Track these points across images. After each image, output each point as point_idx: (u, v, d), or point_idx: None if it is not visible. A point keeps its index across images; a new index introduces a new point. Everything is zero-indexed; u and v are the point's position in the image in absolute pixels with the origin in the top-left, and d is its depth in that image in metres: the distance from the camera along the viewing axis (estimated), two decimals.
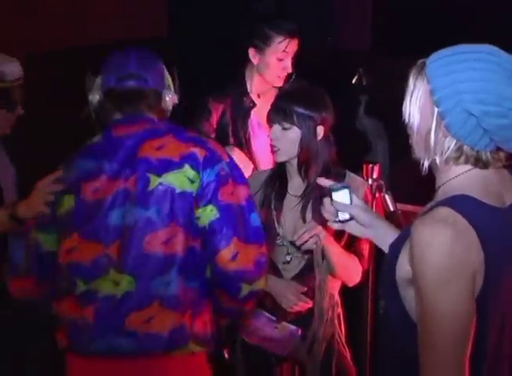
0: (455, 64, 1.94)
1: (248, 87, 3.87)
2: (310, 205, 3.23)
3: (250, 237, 2.80)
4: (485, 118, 1.87)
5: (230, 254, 2.74)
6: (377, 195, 3.85)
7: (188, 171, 2.77)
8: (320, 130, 3.18)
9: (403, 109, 2.07)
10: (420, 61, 2.04)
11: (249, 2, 6.71)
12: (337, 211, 2.40)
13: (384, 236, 2.35)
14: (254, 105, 3.85)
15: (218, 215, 2.77)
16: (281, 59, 3.75)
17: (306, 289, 3.22)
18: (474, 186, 1.98)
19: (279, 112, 3.16)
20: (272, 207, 3.29)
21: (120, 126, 2.96)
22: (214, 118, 3.81)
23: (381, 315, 2.16)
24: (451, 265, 1.85)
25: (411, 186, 2.48)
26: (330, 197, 2.41)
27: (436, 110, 1.94)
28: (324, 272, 3.16)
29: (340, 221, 2.41)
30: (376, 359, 2.39)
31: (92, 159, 2.91)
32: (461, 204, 1.92)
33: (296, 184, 3.28)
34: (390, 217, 4.06)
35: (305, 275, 3.22)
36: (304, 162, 3.20)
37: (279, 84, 3.79)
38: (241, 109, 3.83)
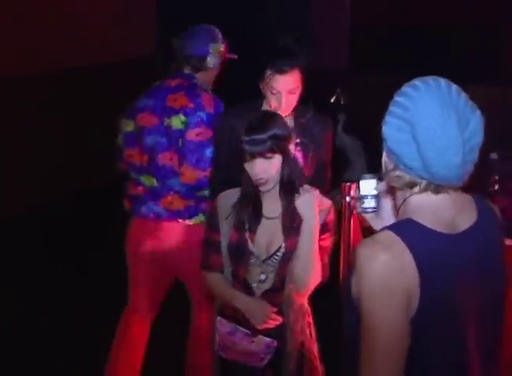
0: (401, 102, 2.06)
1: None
2: (284, 226, 3.24)
3: (199, 164, 4.08)
4: (418, 157, 1.97)
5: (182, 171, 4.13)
6: (355, 211, 3.91)
7: (181, 116, 4.10)
8: (292, 149, 3.24)
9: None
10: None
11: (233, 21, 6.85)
12: (363, 198, 2.49)
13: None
14: None
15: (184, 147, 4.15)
16: (273, 93, 3.75)
17: (276, 309, 3.26)
18: (422, 211, 2.06)
19: (258, 145, 3.12)
20: (246, 228, 3.29)
21: (167, 79, 4.30)
22: None
23: (345, 321, 2.23)
24: (385, 284, 1.94)
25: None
26: (358, 184, 2.52)
27: (388, 154, 2.08)
28: (289, 290, 3.24)
29: (364, 209, 2.49)
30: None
31: (146, 98, 4.26)
32: (403, 228, 2.03)
33: (272, 206, 3.27)
34: (367, 233, 4.23)
35: (275, 291, 3.25)
36: (289, 183, 3.21)
37: (283, 114, 3.71)
38: None
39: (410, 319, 1.97)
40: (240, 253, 3.25)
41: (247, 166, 3.18)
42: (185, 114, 4.14)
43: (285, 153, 3.16)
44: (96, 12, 7.54)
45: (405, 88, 2.05)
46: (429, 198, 2.07)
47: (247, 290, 3.27)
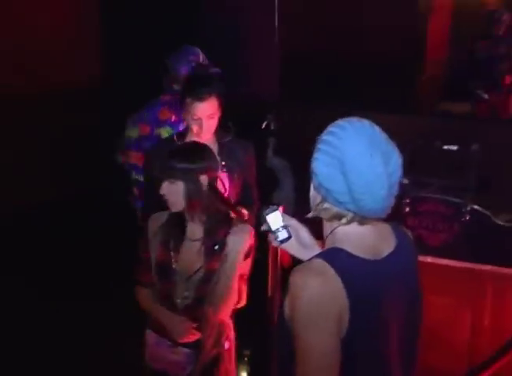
0: (323, 145, 2.11)
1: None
2: (205, 249, 3.26)
3: None
4: (346, 191, 2.01)
5: None
6: None
7: (167, 127, 4.51)
8: (204, 179, 3.22)
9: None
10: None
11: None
12: (276, 232, 2.43)
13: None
14: None
15: None
16: (195, 119, 3.79)
17: (196, 324, 3.29)
18: (349, 240, 2.09)
19: (165, 170, 3.19)
20: (171, 248, 3.30)
21: (162, 95, 4.71)
22: None
23: (277, 339, 2.28)
24: (317, 308, 1.96)
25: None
26: (265, 220, 2.45)
27: (312, 184, 2.13)
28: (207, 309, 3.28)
29: (280, 241, 2.44)
30: None
31: (145, 110, 4.68)
32: (333, 256, 2.05)
33: (194, 229, 3.28)
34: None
35: (196, 307, 3.27)
36: (191, 210, 3.23)
37: (205, 137, 3.84)
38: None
39: (341, 338, 1.99)
40: (165, 271, 3.28)
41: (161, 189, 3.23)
42: (170, 125, 4.62)
43: (189, 182, 3.17)
44: (46, 39, 7.40)
45: (333, 128, 2.09)
46: (355, 228, 2.10)
47: (172, 305, 3.29)
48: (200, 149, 3.30)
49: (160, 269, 3.30)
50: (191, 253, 3.24)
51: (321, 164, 2.05)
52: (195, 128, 3.79)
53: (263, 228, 2.49)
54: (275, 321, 2.32)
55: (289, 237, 2.43)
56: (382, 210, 2.06)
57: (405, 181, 4.19)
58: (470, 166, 4.36)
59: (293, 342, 2.02)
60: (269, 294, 4.48)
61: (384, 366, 2.15)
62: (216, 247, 3.21)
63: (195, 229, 3.25)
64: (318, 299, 1.96)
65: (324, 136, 2.09)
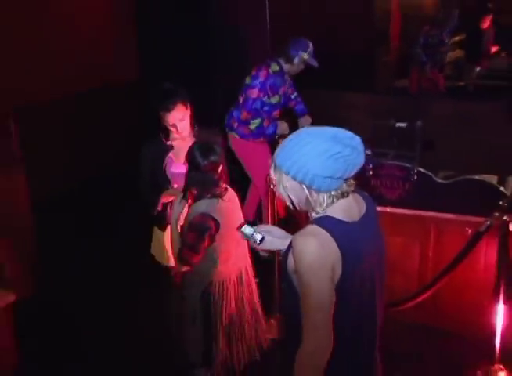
0: (295, 152, 2.03)
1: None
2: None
3: None
4: (329, 174, 2.01)
5: None
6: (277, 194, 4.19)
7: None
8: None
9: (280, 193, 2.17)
10: (273, 162, 2.13)
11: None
12: (251, 238, 2.51)
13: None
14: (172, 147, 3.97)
15: None
16: (171, 126, 3.80)
17: None
18: (336, 210, 2.10)
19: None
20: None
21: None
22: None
23: (283, 290, 2.33)
24: (316, 262, 2.00)
25: None
26: (241, 233, 2.53)
27: (303, 185, 2.06)
28: None
29: (258, 244, 2.51)
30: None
31: None
32: (322, 222, 2.07)
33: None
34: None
35: None
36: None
37: (185, 136, 3.88)
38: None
39: (335, 283, 2.04)
40: None
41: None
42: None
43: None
44: (89, 44, 7.12)
45: (291, 138, 2.09)
46: (343, 201, 2.12)
47: None
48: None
49: None
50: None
51: (298, 172, 2.04)
52: (175, 133, 3.83)
53: (244, 238, 2.57)
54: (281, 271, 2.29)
55: (263, 238, 2.49)
56: (354, 173, 2.08)
57: (368, 152, 4.09)
58: (415, 138, 4.46)
59: (300, 288, 2.07)
60: None
61: (370, 303, 2.23)
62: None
63: None
64: (317, 255, 2.00)
65: (286, 152, 2.07)
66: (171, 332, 3.66)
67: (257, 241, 2.49)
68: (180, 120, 3.80)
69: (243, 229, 2.53)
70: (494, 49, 9.02)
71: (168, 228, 3.83)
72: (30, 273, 5.13)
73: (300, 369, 2.11)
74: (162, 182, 3.89)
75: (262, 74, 5.22)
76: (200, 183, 3.30)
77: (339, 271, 2.04)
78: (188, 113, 3.85)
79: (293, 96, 5.62)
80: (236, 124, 5.40)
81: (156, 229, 4.05)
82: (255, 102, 5.25)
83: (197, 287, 3.40)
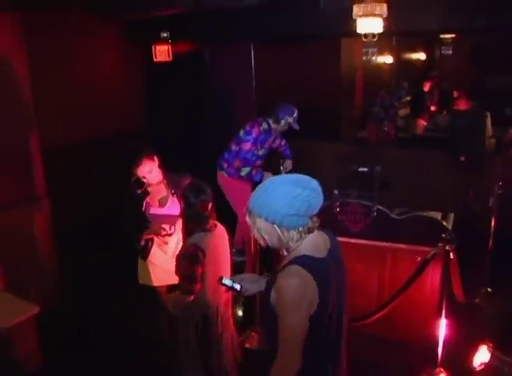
0: (264, 197, 2.05)
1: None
2: None
3: None
4: (294, 212, 2.03)
5: None
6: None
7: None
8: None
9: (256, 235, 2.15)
10: (247, 208, 2.12)
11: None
12: (231, 288, 2.47)
13: (263, 282, 2.36)
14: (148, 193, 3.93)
15: None
16: (145, 179, 3.77)
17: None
18: (308, 247, 2.10)
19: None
20: None
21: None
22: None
23: (265, 318, 2.27)
24: (296, 302, 1.98)
25: None
26: (224, 285, 2.50)
27: (274, 225, 2.07)
28: None
29: (239, 290, 2.48)
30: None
31: None
32: (301, 261, 2.04)
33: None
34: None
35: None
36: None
37: (159, 184, 3.85)
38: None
39: (309, 317, 2.02)
40: None
41: None
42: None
43: None
44: (107, 101, 7.20)
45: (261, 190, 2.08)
46: (310, 238, 2.12)
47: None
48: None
49: None
50: None
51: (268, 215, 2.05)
52: (145, 180, 3.79)
53: (226, 288, 2.53)
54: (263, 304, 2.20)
55: (241, 286, 2.47)
56: (316, 211, 2.08)
57: (336, 192, 4.35)
58: (374, 181, 4.42)
59: (279, 323, 2.04)
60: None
61: (337, 329, 2.21)
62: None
63: None
64: (296, 293, 1.98)
65: (258, 200, 2.08)
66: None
67: (238, 289, 2.47)
68: (148, 172, 3.75)
69: (223, 281, 2.50)
70: (433, 108, 9.27)
71: (151, 256, 3.87)
72: (51, 289, 5.12)
73: None
74: (143, 222, 3.86)
75: (255, 131, 5.30)
76: (192, 219, 3.21)
77: (315, 304, 2.03)
78: (155, 164, 3.79)
79: (282, 143, 5.68)
80: (225, 165, 5.45)
81: (140, 259, 4.04)
82: (247, 153, 5.32)
83: (190, 311, 3.28)
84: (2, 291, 4.41)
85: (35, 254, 5.02)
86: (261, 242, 2.18)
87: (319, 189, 2.07)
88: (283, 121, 5.31)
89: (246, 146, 5.32)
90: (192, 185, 3.27)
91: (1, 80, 4.60)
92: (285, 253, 2.16)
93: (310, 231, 2.12)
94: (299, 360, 2.06)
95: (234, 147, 5.42)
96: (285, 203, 2.02)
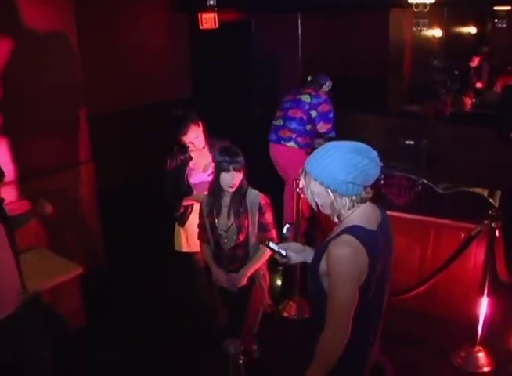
0: (323, 161, 2.03)
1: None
2: (232, 210, 3.24)
3: None
4: (351, 180, 1.99)
5: None
6: (302, 196, 4.21)
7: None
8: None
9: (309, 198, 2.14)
10: (303, 169, 2.11)
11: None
12: (279, 252, 2.45)
13: (309, 254, 2.38)
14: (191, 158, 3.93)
15: None
16: (192, 144, 3.78)
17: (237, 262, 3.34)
18: (360, 218, 2.08)
19: (236, 162, 3.14)
20: (214, 214, 3.29)
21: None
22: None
23: (309, 288, 2.23)
24: (348, 271, 1.98)
25: None
26: (270, 248, 2.51)
27: (328, 190, 2.04)
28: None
29: (284, 256, 2.45)
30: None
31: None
32: (354, 231, 2.02)
33: (226, 200, 3.25)
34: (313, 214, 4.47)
35: (235, 248, 3.30)
36: (238, 189, 3.20)
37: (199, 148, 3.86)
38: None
39: (360, 286, 2.01)
40: (213, 227, 3.32)
41: (224, 176, 3.16)
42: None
43: (243, 171, 3.19)
44: (154, 68, 7.15)
45: (319, 153, 2.07)
46: (362, 208, 2.10)
47: (220, 249, 3.35)
48: (237, 149, 3.26)
49: (210, 226, 3.33)
50: (224, 215, 3.27)
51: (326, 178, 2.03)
52: (191, 146, 3.82)
53: (271, 252, 2.57)
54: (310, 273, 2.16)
55: (286, 252, 2.45)
56: (372, 182, 2.07)
57: (381, 164, 4.38)
58: (421, 154, 4.41)
59: (330, 290, 2.03)
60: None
61: (382, 298, 2.21)
62: (241, 209, 3.22)
63: (226, 199, 3.25)
64: (349, 264, 1.97)
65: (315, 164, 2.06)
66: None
67: (284, 254, 2.45)
68: (195, 138, 3.80)
69: (270, 245, 2.50)
70: (480, 85, 8.98)
71: (188, 223, 3.90)
72: (94, 250, 5.24)
73: (320, 351, 2.11)
74: (184, 189, 3.87)
75: (321, 93, 5.41)
76: None
77: (365, 275, 2.02)
78: (200, 130, 3.83)
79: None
80: (294, 135, 5.34)
81: (177, 226, 4.08)
82: (330, 113, 5.35)
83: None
84: (48, 251, 4.54)
85: (80, 216, 5.13)
86: (313, 205, 2.16)
87: (378, 160, 2.04)
88: (324, 87, 5.45)
89: (326, 107, 5.33)
90: (224, 148, 3.26)
91: (55, 52, 4.69)
92: (336, 220, 2.14)
93: (363, 201, 2.10)
94: (348, 333, 2.04)
95: (301, 115, 5.34)
96: (343, 169, 1.99)
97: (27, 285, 3.21)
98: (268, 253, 3.28)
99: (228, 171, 3.16)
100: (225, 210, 3.28)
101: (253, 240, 3.29)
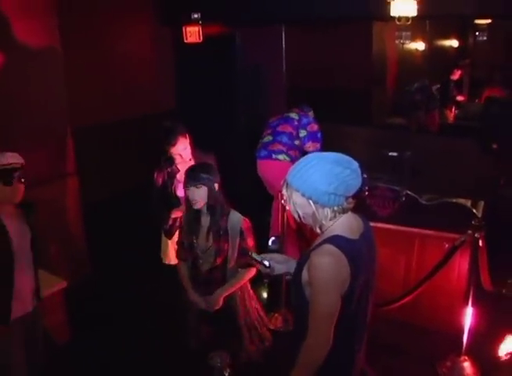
0: (304, 172, 2.03)
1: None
2: (211, 232, 3.19)
3: None
4: (332, 191, 2.00)
5: None
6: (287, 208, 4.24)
7: None
8: (216, 186, 3.17)
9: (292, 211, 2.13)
10: (285, 181, 2.11)
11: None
12: (262, 263, 2.40)
13: (292, 265, 2.31)
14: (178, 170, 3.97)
15: None
16: (175, 154, 3.84)
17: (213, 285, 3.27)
18: (342, 228, 2.07)
19: (193, 179, 3.12)
20: (194, 233, 3.24)
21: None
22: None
23: (292, 299, 2.23)
24: (330, 280, 1.97)
25: None
26: (254, 259, 2.45)
27: (310, 201, 2.04)
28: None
29: (267, 267, 2.41)
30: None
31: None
32: (336, 241, 2.02)
33: (205, 219, 3.21)
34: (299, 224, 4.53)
35: (212, 270, 3.25)
36: (211, 206, 3.16)
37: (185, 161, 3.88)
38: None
39: (342, 295, 2.01)
40: (191, 248, 3.27)
41: (187, 192, 3.16)
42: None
43: (211, 187, 3.13)
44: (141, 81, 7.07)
45: (302, 163, 2.07)
46: (344, 218, 2.10)
47: (198, 269, 3.29)
48: (212, 166, 3.27)
49: (189, 245, 3.28)
50: (204, 235, 3.21)
51: (306, 190, 2.03)
52: (178, 158, 3.86)
53: (254, 263, 2.52)
54: (293, 283, 2.17)
55: (269, 262, 2.40)
56: (353, 192, 2.06)
57: (365, 175, 4.35)
58: (404, 166, 4.45)
59: (312, 299, 2.02)
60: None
61: (365, 308, 2.20)
62: (221, 232, 3.17)
63: (206, 220, 3.21)
64: (331, 273, 1.96)
65: (298, 174, 2.06)
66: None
67: (266, 265, 2.42)
68: (183, 149, 3.83)
69: (253, 255, 2.48)
70: (461, 98, 9.05)
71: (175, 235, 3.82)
72: (79, 263, 5.19)
73: (302, 359, 2.12)
74: (173, 201, 3.87)
75: (309, 114, 5.44)
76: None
77: (347, 284, 2.02)
78: (187, 142, 3.86)
79: None
80: (285, 148, 5.32)
81: (164, 238, 4.09)
82: (318, 132, 5.35)
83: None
84: None
85: (65, 228, 5.09)
86: (295, 216, 2.16)
87: (359, 170, 2.05)
88: (310, 113, 5.45)
89: (315, 126, 5.35)
90: (194, 165, 3.29)
91: (39, 65, 4.68)
92: (318, 231, 2.14)
93: (344, 211, 2.10)
94: (330, 340, 2.04)
95: (290, 130, 5.36)
96: (325, 180, 2.00)
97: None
98: (246, 277, 3.28)
99: (188, 187, 3.15)
100: (204, 230, 3.24)
101: (231, 263, 3.26)
